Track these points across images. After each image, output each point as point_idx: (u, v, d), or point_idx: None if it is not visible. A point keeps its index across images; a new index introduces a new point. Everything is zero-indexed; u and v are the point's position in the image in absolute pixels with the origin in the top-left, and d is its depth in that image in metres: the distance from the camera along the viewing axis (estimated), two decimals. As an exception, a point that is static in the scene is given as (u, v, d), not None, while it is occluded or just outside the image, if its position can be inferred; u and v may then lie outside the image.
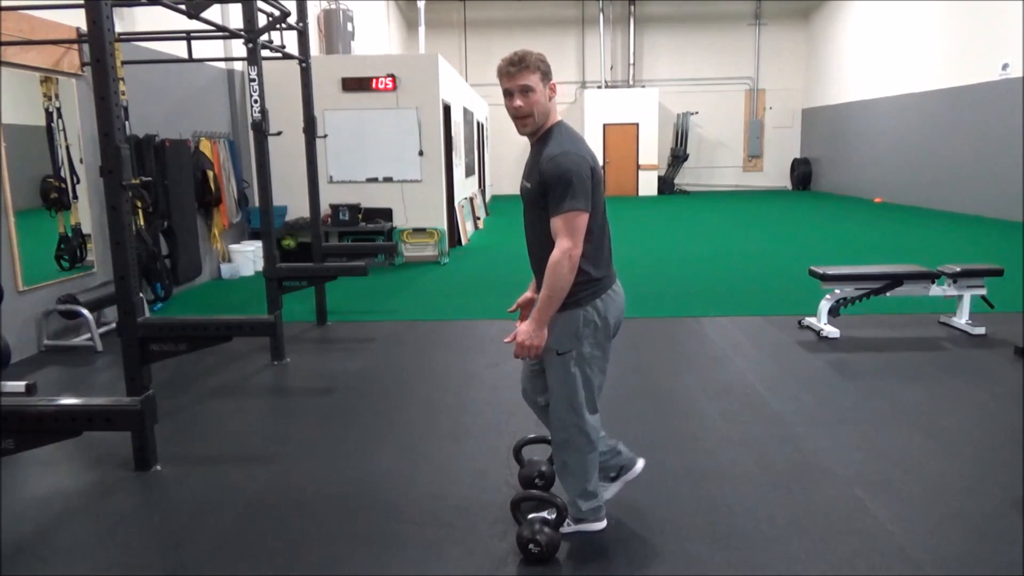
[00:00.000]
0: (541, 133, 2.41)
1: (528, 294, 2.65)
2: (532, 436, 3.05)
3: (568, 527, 2.62)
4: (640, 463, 2.79)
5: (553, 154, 2.32)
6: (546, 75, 2.36)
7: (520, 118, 2.37)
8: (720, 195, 19.33)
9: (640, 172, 19.33)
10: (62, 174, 5.69)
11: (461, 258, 9.47)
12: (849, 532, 2.66)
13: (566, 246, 2.27)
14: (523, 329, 2.36)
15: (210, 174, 7.80)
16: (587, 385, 2.47)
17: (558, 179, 2.28)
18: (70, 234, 5.78)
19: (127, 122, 5.91)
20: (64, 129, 5.65)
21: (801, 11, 19.79)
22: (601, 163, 19.20)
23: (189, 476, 3.25)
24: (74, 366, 5.04)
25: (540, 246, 2.43)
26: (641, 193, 19.37)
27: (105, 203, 3.13)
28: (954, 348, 5.01)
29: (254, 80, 4.88)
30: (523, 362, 2.65)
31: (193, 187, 7.50)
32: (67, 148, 5.72)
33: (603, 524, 2.67)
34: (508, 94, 2.36)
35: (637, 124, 19.08)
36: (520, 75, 2.32)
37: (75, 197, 5.83)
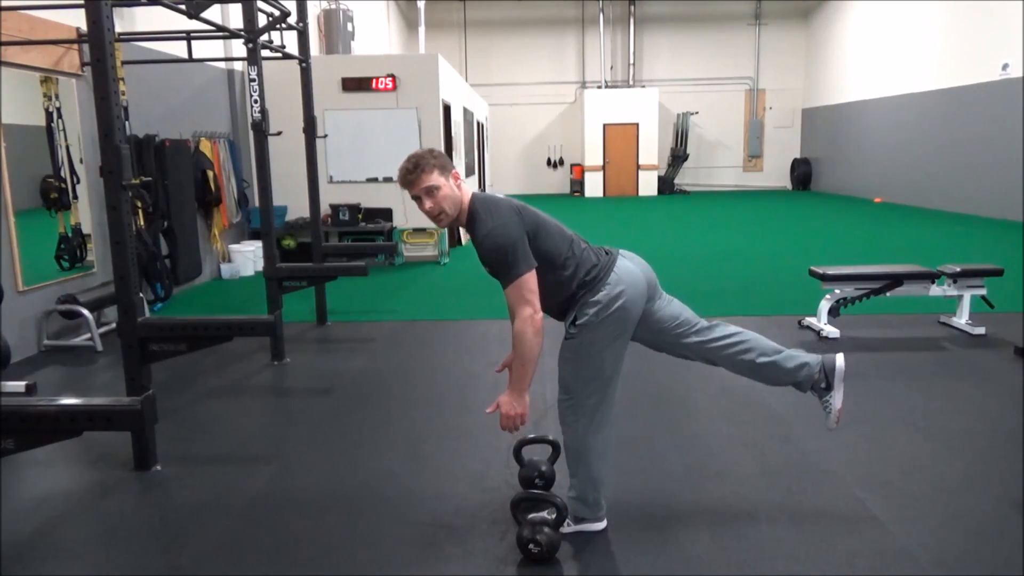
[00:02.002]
0: (465, 218, 2.47)
1: (511, 355, 2.67)
2: (532, 436, 3.05)
3: (568, 527, 2.62)
4: (840, 357, 2.65)
5: (481, 237, 2.38)
6: (443, 168, 2.42)
7: (434, 218, 2.44)
8: (720, 195, 19.33)
9: (640, 172, 19.33)
10: (62, 174, 5.69)
11: (461, 258, 9.47)
12: (849, 532, 2.66)
13: (526, 314, 2.34)
14: (504, 400, 2.43)
15: (210, 174, 7.80)
16: (581, 377, 2.49)
17: (496, 257, 2.35)
18: (70, 234, 5.78)
19: (127, 122, 5.90)
20: (64, 129, 5.65)
21: (801, 11, 19.79)
22: (601, 163, 19.22)
23: (189, 476, 3.25)
24: (74, 366, 5.04)
25: None
26: (641, 193, 19.37)
27: (105, 203, 3.13)
28: (954, 348, 5.01)
29: (254, 80, 4.88)
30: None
31: (193, 187, 7.50)
32: (67, 148, 5.72)
33: (603, 524, 2.67)
34: (416, 199, 2.43)
35: (637, 124, 19.08)
36: (420, 180, 2.40)
37: (75, 197, 5.83)
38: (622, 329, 2.49)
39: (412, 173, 2.40)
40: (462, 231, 10.62)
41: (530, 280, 2.36)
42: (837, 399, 2.66)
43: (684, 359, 2.72)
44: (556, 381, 2.60)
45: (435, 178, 2.39)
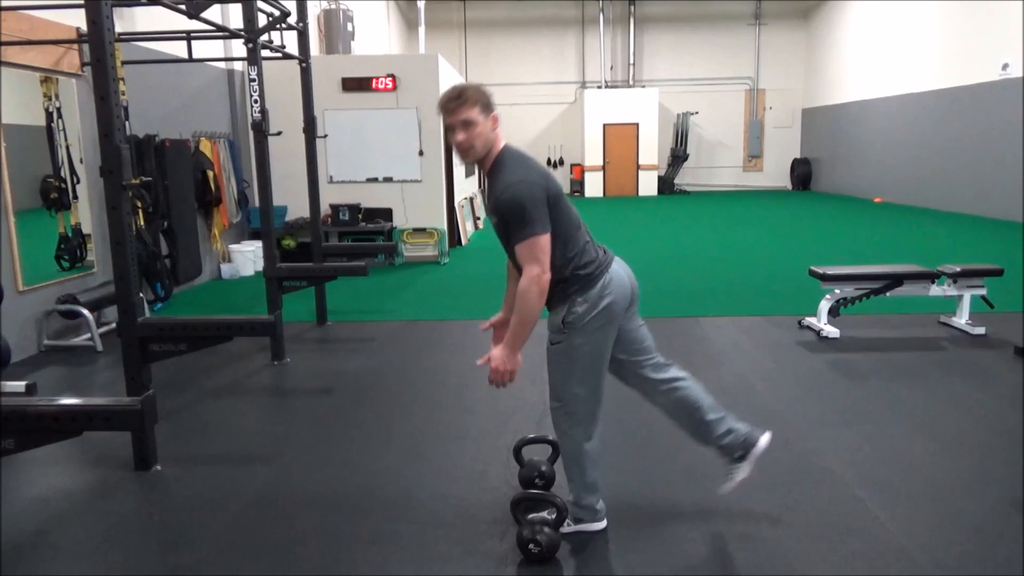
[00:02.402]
0: (490, 164, 2.44)
1: (501, 315, 2.71)
2: (532, 436, 3.06)
3: (568, 527, 2.62)
4: (766, 437, 2.65)
5: (504, 187, 2.36)
6: (486, 107, 2.39)
7: (462, 151, 2.41)
8: (720, 195, 19.33)
9: (640, 172, 19.32)
10: (62, 174, 5.69)
11: (461, 258, 9.47)
12: (849, 532, 2.66)
13: (534, 272, 2.33)
14: (496, 355, 2.41)
15: (210, 174, 7.80)
16: (572, 378, 2.49)
17: (512, 210, 2.32)
18: (70, 234, 5.78)
19: (127, 122, 5.90)
20: (64, 129, 5.65)
21: (801, 11, 19.78)
22: (601, 163, 19.22)
23: (189, 476, 3.25)
24: (74, 366, 5.04)
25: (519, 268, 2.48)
26: (641, 193, 19.36)
27: (105, 203, 3.13)
28: (954, 348, 5.01)
29: (254, 80, 4.88)
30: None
31: (193, 187, 7.50)
32: (67, 148, 5.72)
33: (603, 524, 2.67)
34: (450, 129, 2.41)
35: (637, 124, 19.07)
36: (459, 110, 2.36)
37: (75, 197, 5.83)
38: (609, 328, 2.50)
39: (454, 101, 2.36)
40: (463, 231, 10.62)
41: (544, 242, 2.34)
42: (743, 472, 2.66)
43: (622, 382, 2.71)
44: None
45: (475, 114, 2.36)
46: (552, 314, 2.50)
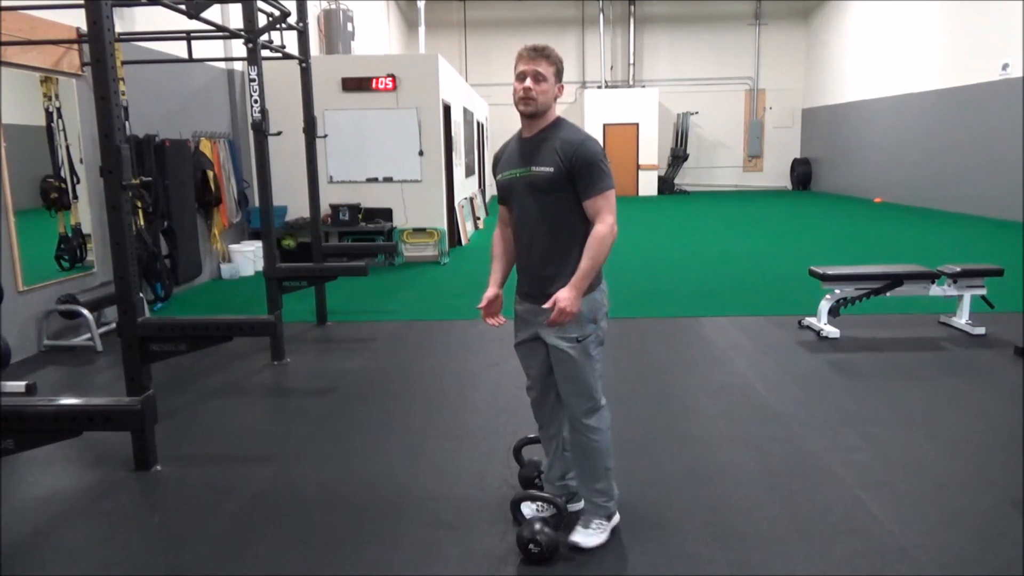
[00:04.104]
0: (544, 124, 2.48)
1: (493, 290, 2.69)
2: (532, 436, 3.05)
3: (604, 527, 2.59)
4: (616, 517, 2.69)
5: (577, 140, 2.42)
6: (559, 74, 2.47)
7: (525, 99, 2.43)
8: (720, 195, 19.33)
9: (640, 172, 19.33)
10: (62, 174, 5.69)
11: (461, 258, 9.47)
12: (849, 532, 2.66)
13: (611, 221, 2.41)
14: (565, 296, 2.36)
15: (210, 174, 7.80)
16: (599, 367, 2.54)
17: (590, 162, 2.40)
18: (70, 234, 5.78)
19: (127, 122, 5.90)
20: (64, 129, 5.65)
21: (801, 11, 19.79)
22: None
23: (189, 476, 3.25)
24: (74, 366, 5.04)
25: (551, 233, 2.46)
26: (641, 193, 19.37)
27: (105, 203, 3.13)
28: (954, 348, 5.01)
29: (254, 80, 4.88)
30: (529, 362, 2.64)
31: (193, 187, 7.50)
32: (67, 148, 5.72)
33: (618, 517, 2.69)
34: (521, 77, 2.44)
35: (637, 124, 19.08)
36: (539, 60, 2.42)
37: (75, 197, 5.83)
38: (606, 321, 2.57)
39: (538, 51, 2.43)
40: (462, 231, 10.62)
41: (614, 197, 2.44)
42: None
43: (540, 398, 2.68)
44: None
45: (551, 73, 2.43)
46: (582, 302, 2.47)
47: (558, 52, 2.49)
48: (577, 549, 2.54)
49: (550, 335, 2.48)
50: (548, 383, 2.63)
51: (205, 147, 7.81)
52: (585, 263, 2.39)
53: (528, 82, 2.41)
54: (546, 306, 2.40)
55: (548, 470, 2.75)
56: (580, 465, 2.60)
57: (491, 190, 18.05)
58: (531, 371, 2.66)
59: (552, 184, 2.42)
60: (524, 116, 2.47)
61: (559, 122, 2.50)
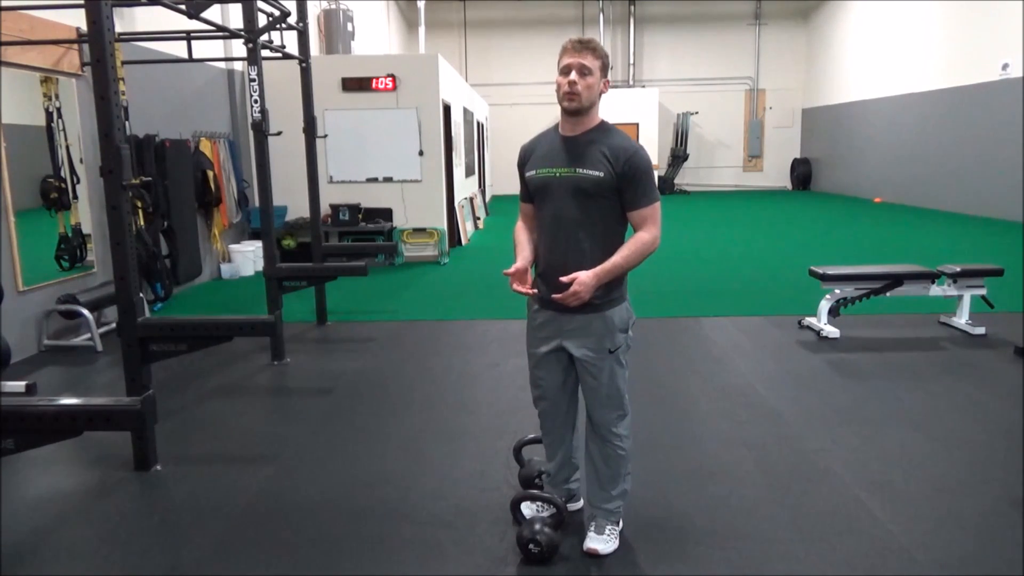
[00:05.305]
0: (591, 124, 2.40)
1: (521, 263, 2.47)
2: (532, 436, 3.05)
3: (614, 531, 2.58)
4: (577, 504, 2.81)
5: (632, 148, 2.37)
6: (605, 69, 2.39)
7: (570, 95, 2.34)
8: (720, 195, 19.33)
9: (640, 172, 19.31)
10: (62, 174, 5.68)
11: (461, 258, 9.47)
12: (849, 532, 2.66)
13: (657, 232, 2.41)
14: (585, 280, 2.30)
15: (210, 174, 7.80)
16: (627, 374, 2.55)
17: (644, 173, 2.38)
18: (70, 234, 5.78)
19: (127, 122, 5.90)
20: (64, 129, 5.65)
21: (801, 11, 19.79)
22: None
23: (189, 476, 3.25)
24: (74, 366, 5.04)
25: (590, 237, 2.39)
26: (641, 193, 19.34)
27: (105, 203, 3.13)
28: (954, 348, 5.01)
29: (254, 80, 4.88)
30: (544, 373, 2.57)
31: (193, 187, 7.49)
32: (67, 148, 5.72)
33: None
34: (565, 70, 2.34)
35: (637, 124, 19.05)
36: (585, 54, 2.33)
37: (75, 197, 5.83)
38: None
39: (584, 44, 2.35)
40: (462, 231, 10.62)
41: (660, 210, 2.44)
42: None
43: (553, 408, 2.64)
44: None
45: (596, 68, 2.34)
46: (610, 312, 2.43)
47: (604, 49, 2.40)
48: (595, 556, 2.52)
49: (579, 348, 2.44)
50: (563, 393, 2.59)
51: (205, 147, 7.81)
52: (618, 258, 2.35)
53: (573, 75, 2.31)
54: (564, 279, 2.32)
55: (555, 474, 2.73)
56: (601, 473, 2.56)
57: (491, 190, 18.05)
58: (545, 382, 2.57)
59: (599, 189, 2.35)
60: (567, 113, 2.37)
61: (607, 126, 2.42)
